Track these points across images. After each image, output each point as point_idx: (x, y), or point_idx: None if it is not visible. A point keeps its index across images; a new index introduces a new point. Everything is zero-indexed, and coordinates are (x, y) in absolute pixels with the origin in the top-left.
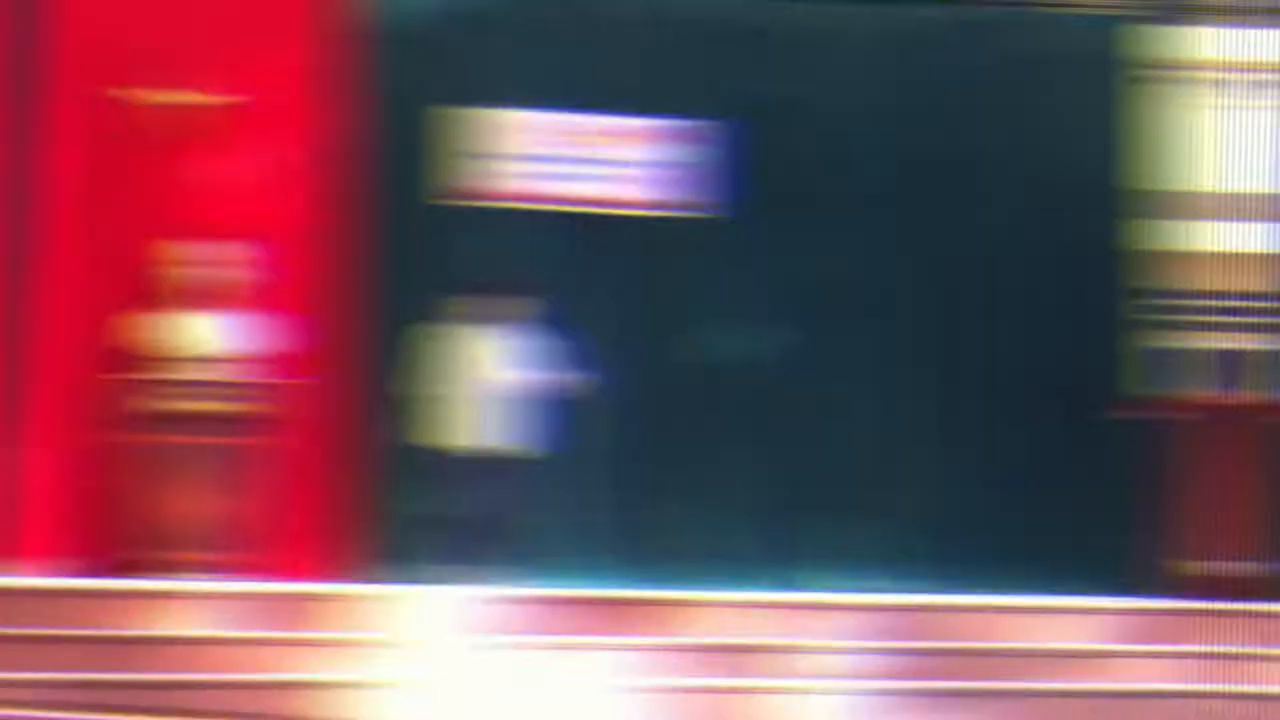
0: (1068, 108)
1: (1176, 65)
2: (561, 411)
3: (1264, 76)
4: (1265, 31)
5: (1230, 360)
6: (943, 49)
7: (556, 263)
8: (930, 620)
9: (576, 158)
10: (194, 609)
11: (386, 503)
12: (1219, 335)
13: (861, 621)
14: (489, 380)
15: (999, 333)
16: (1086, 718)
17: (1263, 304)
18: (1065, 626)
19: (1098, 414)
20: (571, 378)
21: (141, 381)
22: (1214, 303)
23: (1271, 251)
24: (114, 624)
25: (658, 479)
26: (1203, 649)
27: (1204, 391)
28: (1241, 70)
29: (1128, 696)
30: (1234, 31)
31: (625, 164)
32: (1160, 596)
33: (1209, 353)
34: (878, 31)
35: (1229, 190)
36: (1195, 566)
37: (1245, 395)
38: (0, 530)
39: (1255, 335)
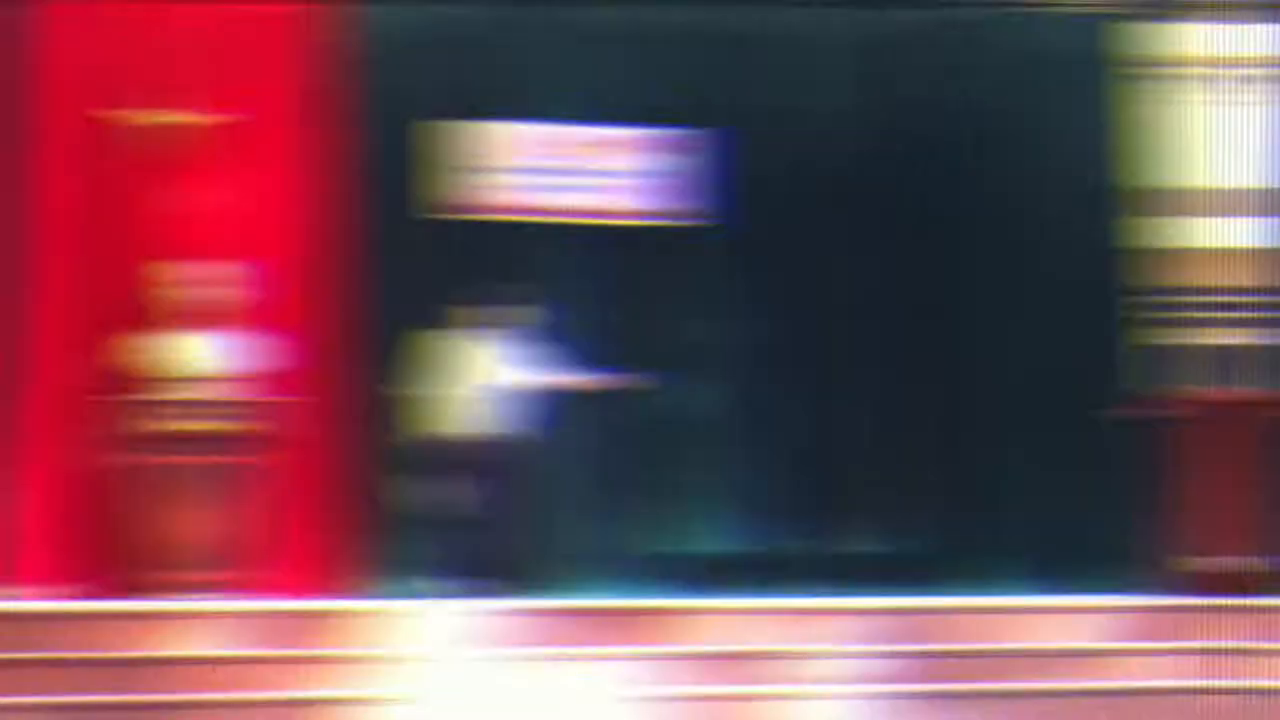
0: (1059, 106)
1: (1165, 62)
2: (560, 414)
3: (1253, 71)
4: (1253, 27)
5: (1227, 356)
6: (932, 50)
7: (549, 273)
8: (932, 622)
9: (565, 169)
10: (195, 629)
11: (385, 517)
12: (1215, 331)
13: (861, 625)
14: (486, 389)
15: (996, 332)
16: (1091, 717)
17: (1257, 299)
18: (1068, 625)
19: (1097, 412)
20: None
21: (137, 402)
22: (1209, 299)
23: (1264, 246)
24: (115, 646)
25: (657, 481)
26: (1205, 645)
27: (1201, 388)
28: (1230, 66)
29: (1132, 694)
30: (1222, 27)
31: (614, 174)
32: (1162, 593)
33: (1205, 349)
34: (864, 36)
35: (1221, 186)
36: (1196, 562)
37: (1242, 391)
38: None
39: (1251, 330)
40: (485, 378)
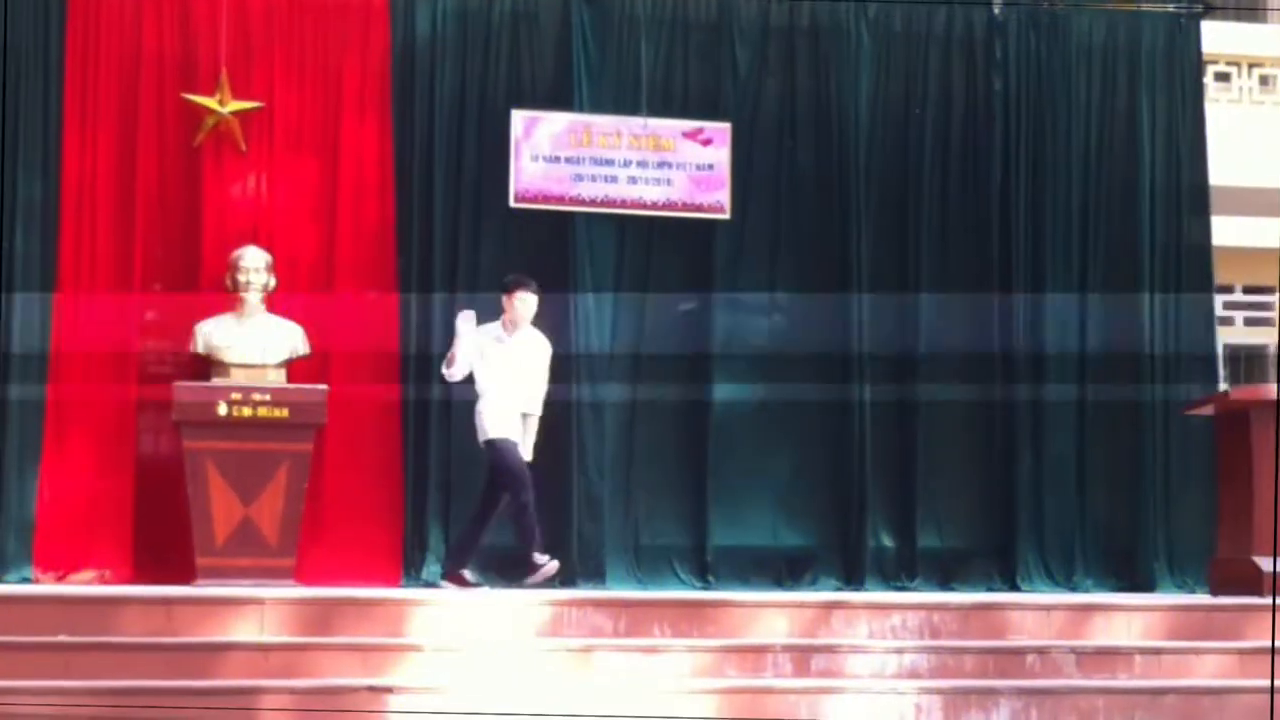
0: (1130, 105)
1: (1230, 61)
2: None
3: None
4: None
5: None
6: (984, 46)
7: (578, 262)
8: (990, 618)
9: (597, 159)
10: (241, 615)
11: (427, 506)
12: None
13: (914, 621)
14: (518, 379)
15: (1072, 328)
16: (1154, 715)
17: None
18: (1114, 623)
19: (1175, 411)
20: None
21: (185, 388)
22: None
23: None
24: (168, 631)
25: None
26: (1245, 646)
27: (1243, 386)
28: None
29: (1175, 694)
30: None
31: (645, 164)
32: (1237, 594)
33: (1249, 347)
34: (898, 29)
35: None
36: (1240, 563)
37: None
38: (43, 540)
39: None
40: (518, 372)
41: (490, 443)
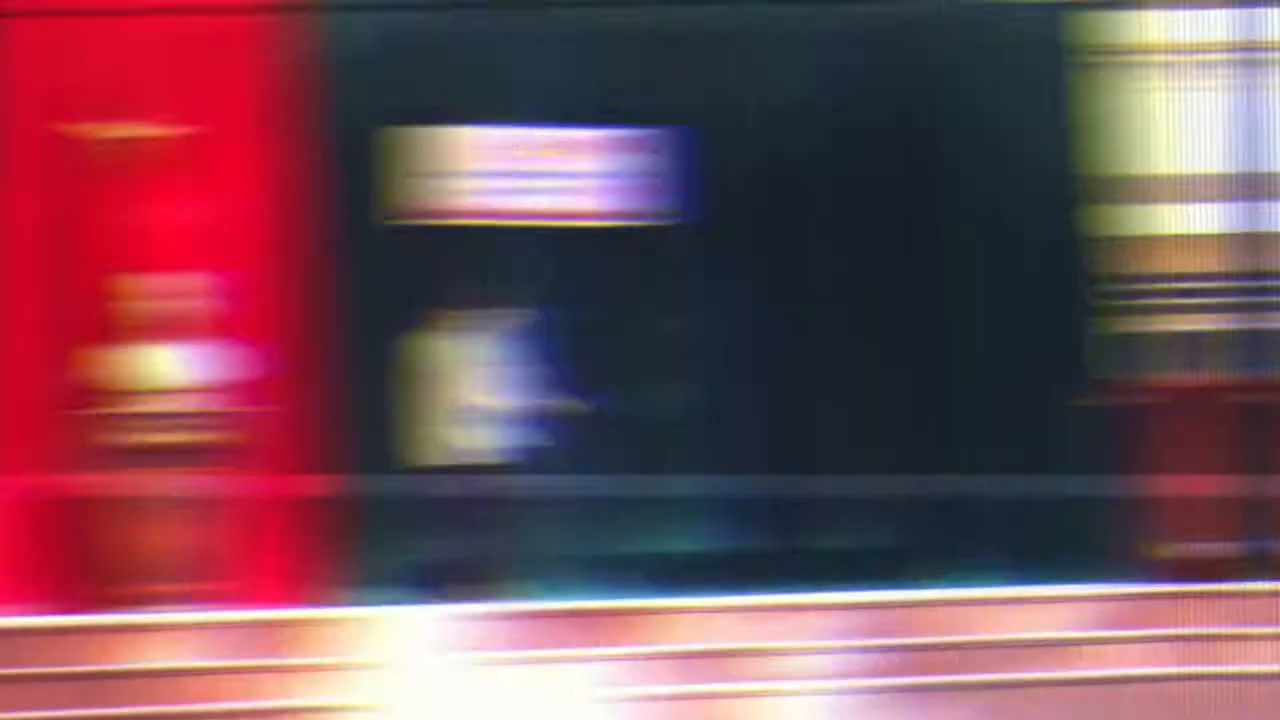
0: (1021, 97)
1: (1126, 50)
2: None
3: (1212, 57)
4: (1211, 12)
5: (1195, 342)
6: (893, 44)
7: (515, 277)
8: (909, 616)
9: (529, 172)
10: (171, 640)
11: (358, 523)
12: (1183, 318)
13: (834, 620)
14: (456, 394)
15: (968, 324)
16: (1070, 706)
17: (1222, 284)
18: (1046, 615)
19: (1067, 400)
20: (559, 400)
21: (106, 416)
22: (1176, 285)
23: (1227, 231)
24: (91, 659)
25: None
26: (1181, 632)
27: (1171, 374)
28: (1190, 52)
29: (1109, 683)
30: (1181, 13)
31: (578, 175)
32: (1137, 581)
33: (1174, 335)
34: (825, 30)
35: (1184, 172)
36: (1170, 549)
37: (1210, 376)
38: None
39: (1217, 315)
40: (455, 388)
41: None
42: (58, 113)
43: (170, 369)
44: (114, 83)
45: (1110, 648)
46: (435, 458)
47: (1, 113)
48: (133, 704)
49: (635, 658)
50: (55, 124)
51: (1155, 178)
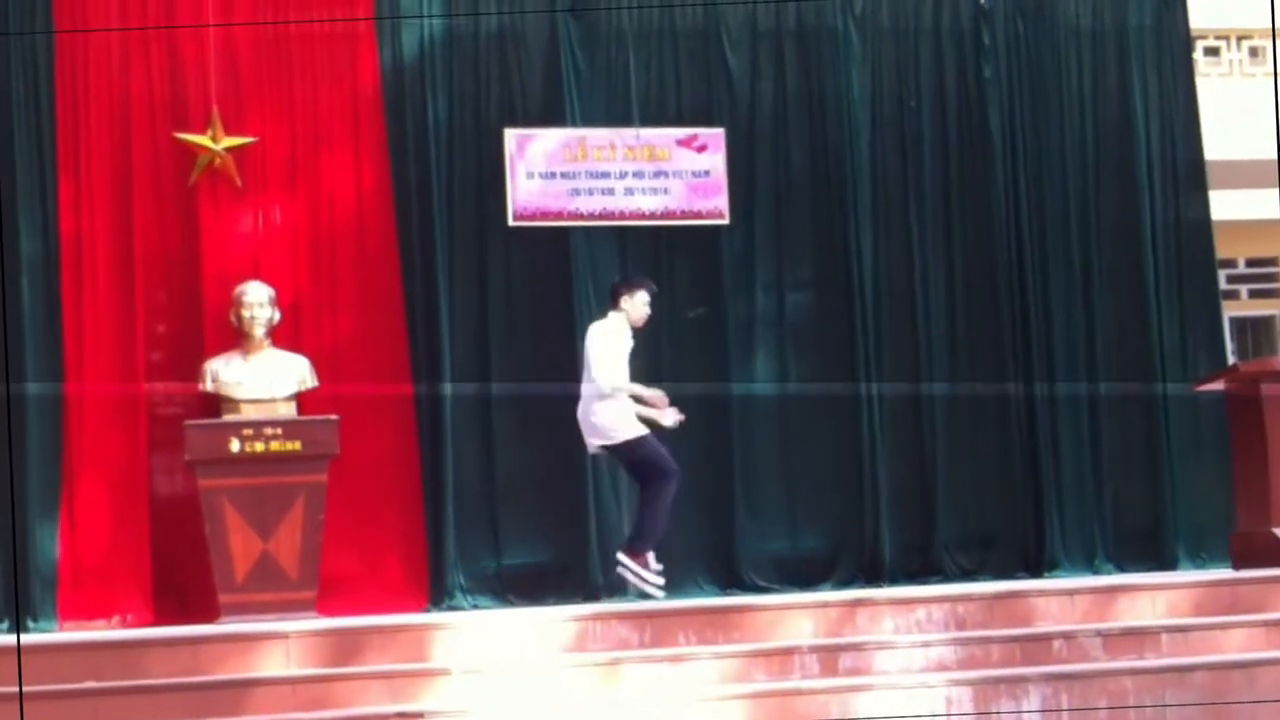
0: (1121, 84)
1: (1219, 35)
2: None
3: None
4: None
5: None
6: (986, 30)
7: (579, 276)
8: (1012, 605)
9: (593, 172)
10: (266, 650)
11: (447, 530)
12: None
13: (934, 614)
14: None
15: (1080, 312)
16: (1183, 692)
17: None
18: (1161, 602)
19: (1184, 387)
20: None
21: (196, 427)
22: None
23: None
24: (187, 671)
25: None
26: None
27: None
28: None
29: (1221, 669)
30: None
31: (641, 175)
32: (1258, 567)
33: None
34: (886, 24)
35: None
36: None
37: None
38: (66, 589)
39: None
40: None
41: (634, 440)
42: (163, 123)
43: (264, 378)
44: (217, 92)
45: (1199, 634)
46: (645, 436)
47: (109, 124)
48: (238, 714)
49: (734, 655)
50: (161, 134)
51: (1232, 163)
